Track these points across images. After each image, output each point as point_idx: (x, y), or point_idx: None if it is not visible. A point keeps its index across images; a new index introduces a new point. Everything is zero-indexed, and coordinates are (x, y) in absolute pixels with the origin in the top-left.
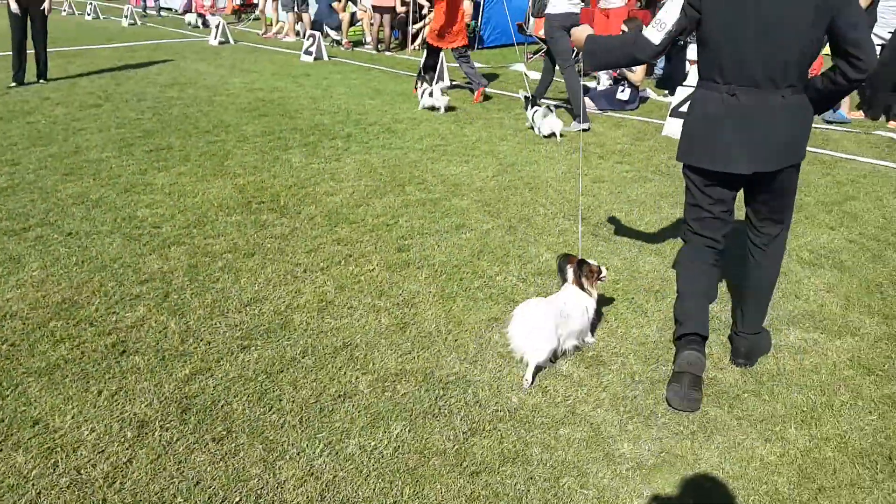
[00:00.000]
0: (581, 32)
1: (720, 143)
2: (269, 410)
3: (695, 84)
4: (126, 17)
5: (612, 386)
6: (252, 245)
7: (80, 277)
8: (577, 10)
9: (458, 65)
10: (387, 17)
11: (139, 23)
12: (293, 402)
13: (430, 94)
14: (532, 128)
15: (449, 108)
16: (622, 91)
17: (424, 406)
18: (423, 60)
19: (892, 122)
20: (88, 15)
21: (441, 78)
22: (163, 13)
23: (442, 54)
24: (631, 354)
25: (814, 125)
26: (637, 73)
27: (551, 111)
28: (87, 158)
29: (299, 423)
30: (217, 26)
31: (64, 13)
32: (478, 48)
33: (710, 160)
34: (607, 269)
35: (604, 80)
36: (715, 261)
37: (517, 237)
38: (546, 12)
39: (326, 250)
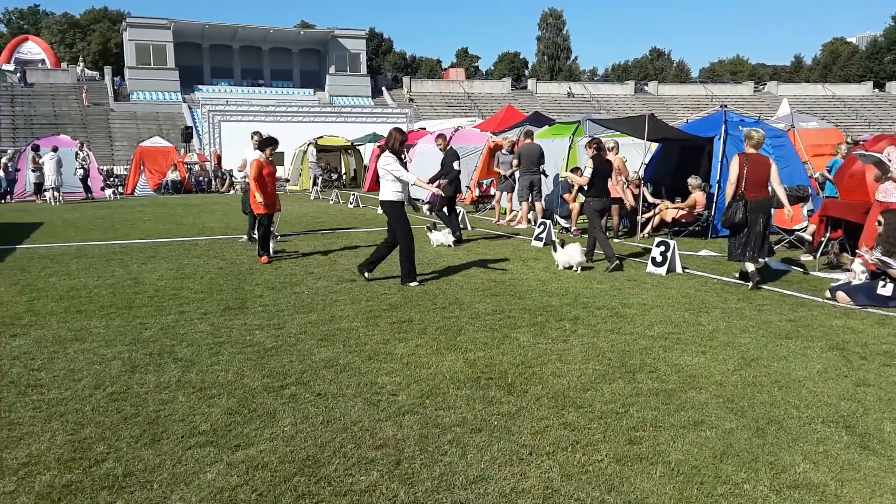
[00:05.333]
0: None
1: None
2: None
3: None
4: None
5: None
6: (480, 420)
7: (324, 437)
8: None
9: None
10: (615, 207)
11: None
12: None
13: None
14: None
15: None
16: (883, 286)
17: None
18: (259, 230)
19: None
20: (351, 204)
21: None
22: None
23: None
24: None
25: None
26: None
27: None
28: (340, 327)
29: None
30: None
31: (312, 197)
32: (711, 237)
33: None
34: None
35: (859, 273)
36: None
37: (766, 441)
38: None
39: (553, 434)
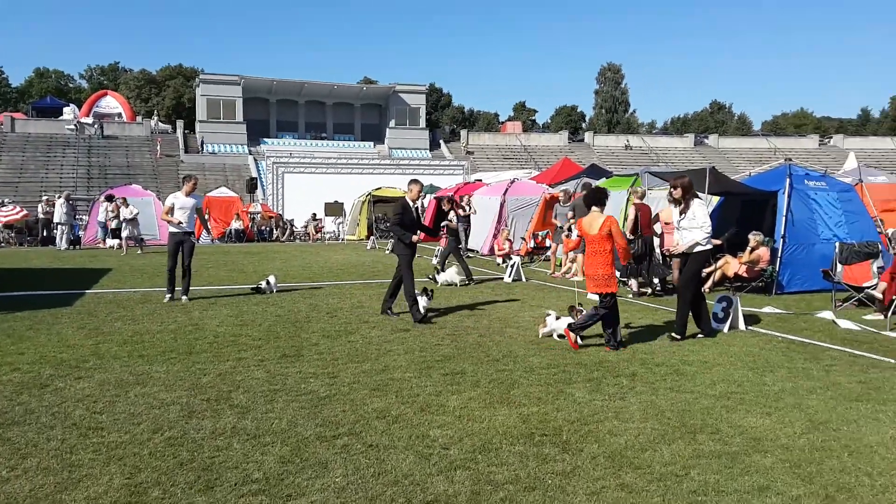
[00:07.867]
0: None
1: None
2: None
3: None
4: (435, 256)
5: None
6: (533, 479)
7: (375, 489)
8: None
9: None
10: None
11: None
12: None
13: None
14: None
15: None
16: None
17: None
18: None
19: None
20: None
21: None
22: (470, 254)
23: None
24: None
25: None
26: None
27: None
28: (393, 377)
29: None
30: (512, 265)
31: (368, 247)
32: (776, 293)
33: None
34: None
35: None
36: None
37: None
38: None
39: (609, 495)
